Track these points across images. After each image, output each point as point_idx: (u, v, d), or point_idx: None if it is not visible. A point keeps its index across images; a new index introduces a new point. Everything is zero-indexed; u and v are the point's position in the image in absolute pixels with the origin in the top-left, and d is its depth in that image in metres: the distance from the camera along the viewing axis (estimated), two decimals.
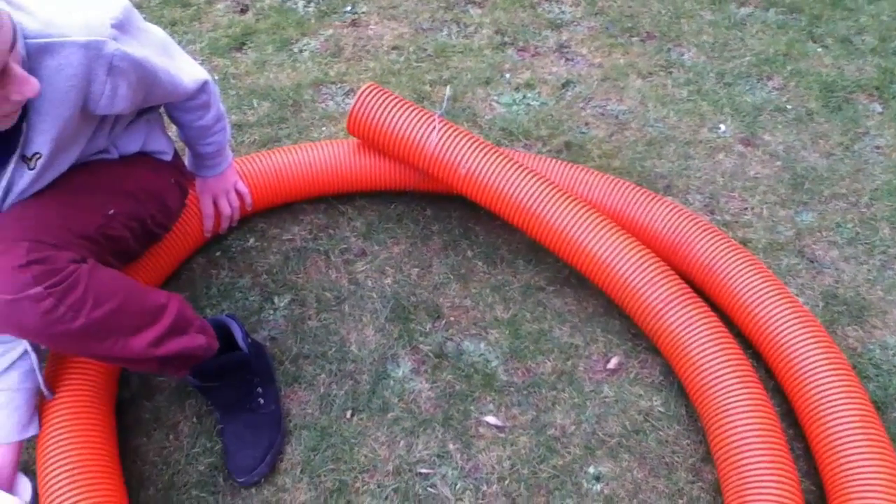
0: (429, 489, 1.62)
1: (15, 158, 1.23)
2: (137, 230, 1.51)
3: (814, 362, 1.65)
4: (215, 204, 1.85)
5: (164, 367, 1.45)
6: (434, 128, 1.88)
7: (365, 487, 1.62)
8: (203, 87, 1.56)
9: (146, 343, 1.34)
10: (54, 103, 1.20)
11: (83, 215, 1.34)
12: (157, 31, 1.43)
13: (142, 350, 1.34)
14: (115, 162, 1.49)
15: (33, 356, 1.41)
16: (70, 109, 1.22)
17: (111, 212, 1.40)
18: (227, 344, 1.63)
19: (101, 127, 1.39)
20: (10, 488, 1.42)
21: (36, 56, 1.14)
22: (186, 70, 1.50)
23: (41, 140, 1.23)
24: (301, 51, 2.65)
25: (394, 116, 1.90)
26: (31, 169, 1.25)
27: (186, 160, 1.78)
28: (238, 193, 1.88)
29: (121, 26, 1.24)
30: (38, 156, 1.24)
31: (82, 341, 1.26)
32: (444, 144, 1.87)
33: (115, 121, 1.42)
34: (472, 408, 1.75)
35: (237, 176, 1.88)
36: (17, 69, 1.05)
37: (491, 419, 1.73)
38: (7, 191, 1.26)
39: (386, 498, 1.60)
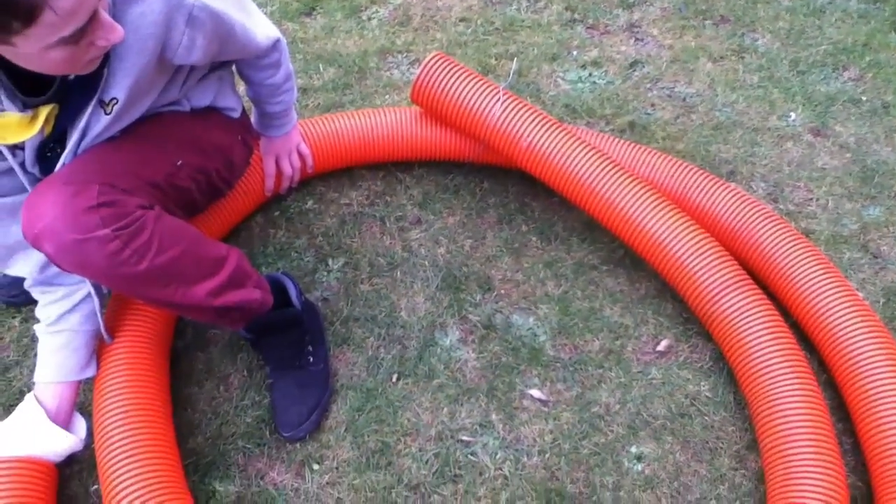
0: (469, 457, 1.63)
1: (93, 103, 1.26)
2: (203, 183, 1.54)
3: (869, 357, 1.61)
4: (277, 164, 1.87)
5: (220, 318, 1.48)
6: (498, 99, 1.87)
7: (406, 450, 1.64)
8: (275, 45, 1.58)
9: (205, 292, 1.37)
10: (134, 50, 1.23)
11: (153, 163, 1.38)
12: None
13: (201, 299, 1.37)
14: (186, 115, 1.52)
15: (95, 300, 1.46)
16: (148, 57, 1.25)
17: (179, 163, 1.44)
18: (281, 301, 1.66)
19: (175, 78, 1.42)
20: (67, 426, 1.47)
21: (121, 3, 1.18)
22: (261, 27, 1.52)
23: (119, 86, 1.26)
24: (369, 18, 2.66)
25: (458, 86, 1.89)
26: (108, 114, 1.29)
27: (252, 119, 1.81)
28: (300, 155, 1.90)
29: None
30: (114, 101, 1.28)
31: (144, 285, 1.29)
32: (506, 117, 1.87)
33: (188, 73, 1.46)
34: (517, 380, 1.75)
35: (300, 138, 1.90)
36: (105, 16, 1.08)
37: (535, 392, 1.73)
38: (83, 134, 1.30)
39: (426, 462, 1.62)
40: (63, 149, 1.30)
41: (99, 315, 1.48)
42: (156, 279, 1.29)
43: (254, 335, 1.65)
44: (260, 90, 1.69)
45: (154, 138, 1.41)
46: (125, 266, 1.23)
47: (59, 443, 1.43)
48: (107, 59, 1.22)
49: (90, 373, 1.51)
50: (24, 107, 1.21)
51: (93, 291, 1.45)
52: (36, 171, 1.33)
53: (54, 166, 1.31)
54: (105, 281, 1.28)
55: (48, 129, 1.27)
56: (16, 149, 1.29)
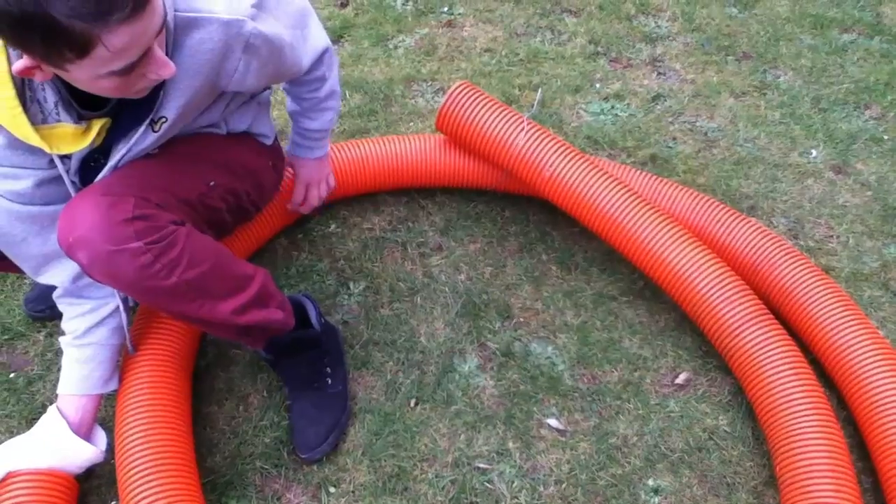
0: (486, 484, 1.63)
1: (147, 122, 1.30)
2: (232, 204, 1.56)
3: (890, 395, 1.60)
4: (307, 191, 1.89)
5: (242, 336, 1.50)
6: (522, 129, 1.90)
7: (423, 476, 1.64)
8: (321, 58, 1.59)
9: (230, 309, 1.39)
10: (189, 73, 1.26)
11: (187, 182, 1.41)
12: (294, 4, 1.48)
13: (225, 315, 1.39)
14: (222, 138, 1.55)
15: (123, 315, 1.48)
16: (202, 80, 1.29)
17: (212, 183, 1.46)
18: (302, 322, 1.68)
19: (219, 101, 1.46)
20: (89, 438, 1.49)
21: (183, 28, 1.21)
22: (311, 43, 1.54)
23: (170, 106, 1.30)
24: (396, 47, 2.70)
25: (483, 115, 1.92)
26: (156, 132, 1.32)
27: (288, 144, 1.83)
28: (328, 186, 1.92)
29: (260, 4, 1.31)
30: (163, 120, 1.31)
31: (171, 298, 1.31)
32: (530, 146, 1.89)
33: (232, 97, 1.49)
34: (535, 409, 1.76)
35: (331, 168, 1.92)
36: (159, 52, 1.11)
37: (553, 422, 1.73)
38: (129, 150, 1.33)
39: (443, 488, 1.62)
40: (106, 160, 1.33)
41: (126, 329, 1.50)
42: (183, 294, 1.31)
43: (273, 355, 1.67)
44: (301, 102, 1.70)
45: (190, 158, 1.44)
46: (155, 279, 1.25)
47: (81, 454, 1.45)
48: (163, 81, 1.25)
49: (113, 386, 1.53)
50: (79, 118, 1.24)
51: (121, 306, 1.47)
52: (77, 179, 1.36)
53: (94, 177, 1.34)
54: (134, 293, 1.30)
55: (98, 142, 1.30)
56: (64, 157, 1.32)
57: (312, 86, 1.65)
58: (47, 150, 1.23)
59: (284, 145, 1.82)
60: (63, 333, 1.50)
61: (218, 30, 1.24)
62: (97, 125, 1.27)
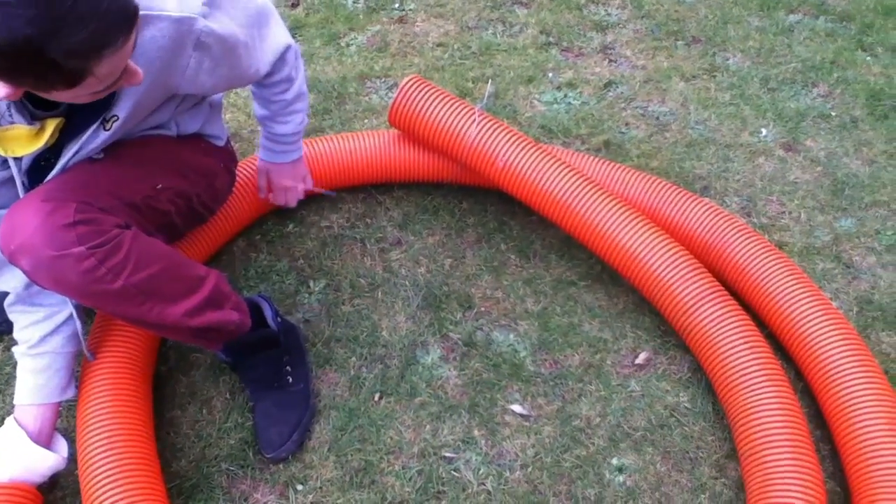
0: (452, 473, 1.64)
1: (101, 119, 1.29)
2: (183, 207, 1.56)
3: (844, 365, 1.63)
4: (285, 194, 1.87)
5: (197, 339, 1.50)
6: (474, 120, 1.91)
7: (389, 468, 1.65)
8: (283, 57, 1.57)
9: (181, 312, 1.38)
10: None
11: (132, 185, 1.40)
12: (251, 5, 1.46)
13: (177, 318, 1.38)
14: (171, 139, 1.54)
15: (78, 322, 1.47)
16: (152, 78, 1.28)
17: (159, 186, 1.46)
18: (260, 324, 1.68)
19: (170, 101, 1.45)
20: (48, 446, 1.48)
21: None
22: (270, 43, 1.52)
23: (123, 105, 1.29)
24: (348, 45, 2.70)
25: (434, 108, 1.93)
26: (107, 130, 1.32)
27: (260, 150, 1.81)
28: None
29: (212, 2, 1.30)
30: (115, 118, 1.31)
31: (119, 303, 1.30)
32: (482, 137, 1.90)
33: (182, 98, 1.49)
34: (498, 396, 1.77)
35: (307, 169, 1.90)
36: (132, 64, 1.12)
37: (517, 408, 1.75)
38: (79, 149, 1.32)
39: (410, 479, 1.63)
40: (57, 160, 1.33)
41: (81, 336, 1.49)
42: (131, 297, 1.30)
43: (232, 358, 1.67)
44: (269, 105, 1.67)
45: (136, 160, 1.43)
46: (100, 283, 1.25)
47: (43, 462, 1.44)
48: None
49: (70, 393, 1.52)
50: (33, 118, 1.23)
51: (75, 313, 1.46)
52: (27, 180, 1.35)
53: (45, 177, 1.33)
54: (80, 298, 1.29)
55: (51, 142, 1.29)
56: (16, 158, 1.30)
57: (279, 87, 1.63)
58: (1, 153, 1.22)
59: (237, 147, 1.82)
60: (16, 343, 1.48)
61: (168, 27, 1.24)
62: (51, 125, 1.26)
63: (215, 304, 1.46)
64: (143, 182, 1.42)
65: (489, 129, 1.91)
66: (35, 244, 1.21)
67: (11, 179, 1.33)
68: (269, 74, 1.57)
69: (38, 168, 1.36)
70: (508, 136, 1.90)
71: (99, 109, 1.28)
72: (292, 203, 1.89)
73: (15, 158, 1.29)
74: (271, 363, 1.68)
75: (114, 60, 1.03)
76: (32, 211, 1.22)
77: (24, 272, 1.25)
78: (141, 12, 1.19)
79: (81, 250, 1.21)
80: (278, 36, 1.55)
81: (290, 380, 1.70)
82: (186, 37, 1.27)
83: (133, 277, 1.28)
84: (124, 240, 1.27)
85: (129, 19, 1.02)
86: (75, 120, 1.30)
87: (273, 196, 1.88)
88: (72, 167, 1.34)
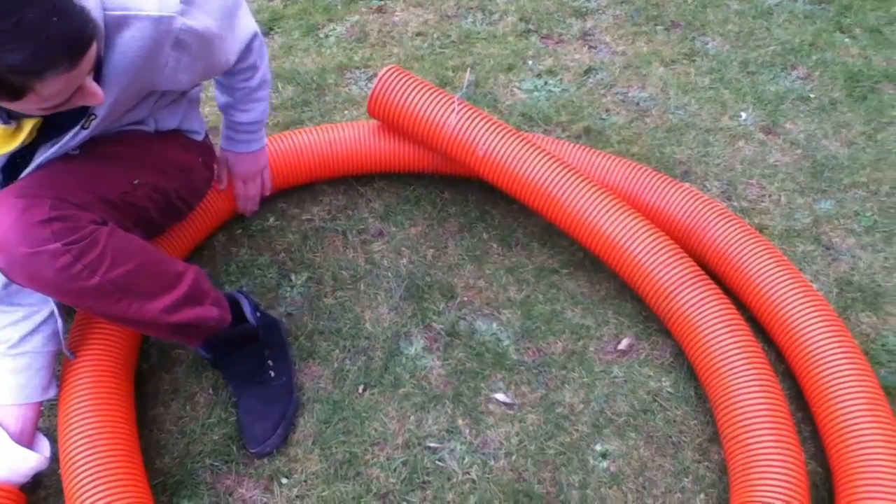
0: (437, 462, 1.64)
1: (82, 121, 1.29)
2: (161, 203, 1.55)
3: (824, 346, 1.65)
4: (245, 187, 1.88)
5: (177, 335, 1.49)
6: (453, 110, 1.90)
7: (374, 460, 1.65)
8: (250, 46, 1.57)
9: (160, 308, 1.38)
10: (120, 71, 1.26)
11: (108, 181, 1.39)
12: None
13: (155, 315, 1.38)
14: (149, 135, 1.54)
15: (59, 320, 1.46)
16: (132, 78, 1.28)
17: (136, 181, 1.45)
18: (239, 319, 1.67)
19: (148, 98, 1.45)
20: (31, 446, 1.47)
21: (114, 27, 1.21)
22: (238, 32, 1.53)
23: (102, 104, 1.28)
24: (327, 36, 2.69)
25: (413, 98, 1.92)
26: (85, 129, 1.31)
27: (221, 139, 1.81)
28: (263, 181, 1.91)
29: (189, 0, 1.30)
30: (93, 117, 1.30)
31: (96, 299, 1.30)
32: (462, 126, 1.90)
33: (161, 94, 1.48)
34: (482, 385, 1.77)
35: (267, 163, 1.91)
36: (89, 85, 1.13)
37: (501, 396, 1.75)
38: (58, 147, 1.32)
39: (394, 470, 1.63)
40: (32, 157, 1.32)
41: (62, 335, 1.48)
42: (108, 294, 1.30)
43: (213, 354, 1.66)
44: (232, 93, 1.67)
45: (111, 156, 1.42)
46: (76, 280, 1.24)
47: (26, 462, 1.43)
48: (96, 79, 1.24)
49: (52, 393, 1.51)
50: (9, 117, 1.23)
51: (56, 311, 1.45)
52: (1, 177, 1.34)
53: (19, 174, 1.32)
54: (57, 295, 1.29)
55: (28, 140, 1.28)
56: None
57: (244, 75, 1.63)
58: None
59: (215, 142, 1.81)
60: None
61: (148, 27, 1.23)
62: (28, 124, 1.25)
63: (194, 300, 1.46)
64: (119, 178, 1.42)
65: (469, 117, 1.90)
66: (9, 241, 1.20)
67: None
68: (237, 62, 1.58)
69: (13, 165, 1.35)
70: (488, 124, 1.90)
71: (78, 109, 1.27)
72: (253, 198, 1.89)
73: None
74: (252, 358, 1.68)
75: (59, 82, 1.05)
76: (6, 208, 1.21)
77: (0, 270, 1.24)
78: (120, 13, 1.21)
79: (57, 247, 1.21)
80: (246, 24, 1.56)
81: (273, 374, 1.69)
82: (165, 36, 1.27)
83: (110, 274, 1.27)
84: (100, 236, 1.26)
85: (74, 47, 1.03)
86: (53, 119, 1.29)
87: (234, 189, 1.87)
88: (47, 164, 1.33)
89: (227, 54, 1.50)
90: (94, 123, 1.31)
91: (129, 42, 1.23)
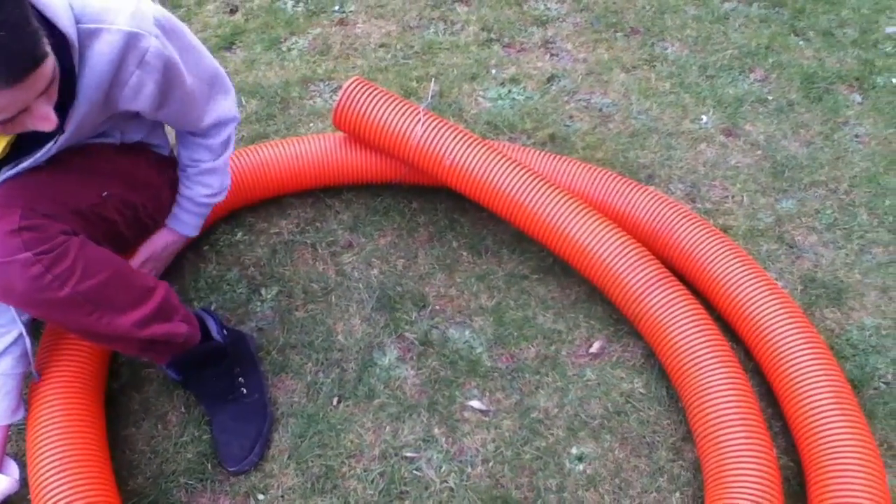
0: (414, 472, 1.65)
1: (53, 140, 1.28)
2: (129, 217, 1.53)
3: (790, 342, 1.68)
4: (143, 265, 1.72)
5: (145, 351, 1.48)
6: (419, 120, 1.91)
7: (351, 472, 1.64)
8: (224, 126, 1.57)
9: (131, 323, 1.36)
10: (92, 86, 1.25)
11: (78, 192, 1.38)
12: (207, 62, 1.48)
13: (126, 329, 1.36)
14: (115, 148, 1.52)
15: (27, 340, 1.44)
16: (100, 92, 1.27)
17: (105, 193, 1.44)
18: (206, 338, 1.66)
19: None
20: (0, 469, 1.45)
21: (87, 39, 1.20)
22: (218, 106, 1.52)
23: (72, 119, 1.28)
24: (289, 49, 2.69)
25: (379, 109, 1.92)
26: (55, 143, 1.30)
27: None
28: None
29: (163, 27, 1.29)
30: (60, 132, 1.29)
31: (67, 311, 1.28)
32: (428, 136, 1.90)
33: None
34: (457, 393, 1.78)
35: (167, 262, 1.80)
36: (39, 108, 1.11)
37: (475, 403, 1.76)
38: (30, 164, 1.30)
39: (372, 482, 1.63)
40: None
41: (31, 356, 1.46)
42: (79, 306, 1.28)
43: (181, 374, 1.64)
44: (182, 160, 1.63)
45: (82, 169, 1.41)
46: (47, 291, 1.22)
47: None
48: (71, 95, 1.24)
49: (20, 415, 1.49)
50: None
51: (24, 332, 1.43)
52: None
53: None
54: (27, 306, 1.27)
55: (1, 155, 1.27)
56: None
57: (200, 153, 1.61)
58: None
59: None
60: None
61: (118, 40, 1.22)
62: (3, 140, 1.23)
63: (164, 316, 1.45)
64: (89, 190, 1.40)
65: (435, 127, 1.91)
66: None
67: None
68: (201, 135, 1.57)
69: None
70: (454, 134, 1.91)
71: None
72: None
73: None
74: (222, 376, 1.66)
75: (2, 98, 1.03)
76: None
77: None
78: (91, 25, 1.19)
79: (28, 256, 1.19)
80: (227, 106, 1.56)
81: (245, 391, 1.68)
82: (132, 52, 1.25)
83: (81, 285, 1.25)
84: (70, 246, 1.25)
85: (14, 65, 1.01)
86: (27, 134, 1.27)
87: (134, 259, 1.68)
88: (16, 176, 1.31)
89: (197, 112, 1.49)
90: (61, 139, 1.30)
91: (98, 55, 1.22)
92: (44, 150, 1.29)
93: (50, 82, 1.09)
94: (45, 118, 1.13)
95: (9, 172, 1.30)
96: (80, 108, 1.27)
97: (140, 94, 1.32)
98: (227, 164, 1.67)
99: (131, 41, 1.24)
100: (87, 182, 1.41)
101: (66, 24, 1.14)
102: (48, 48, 1.05)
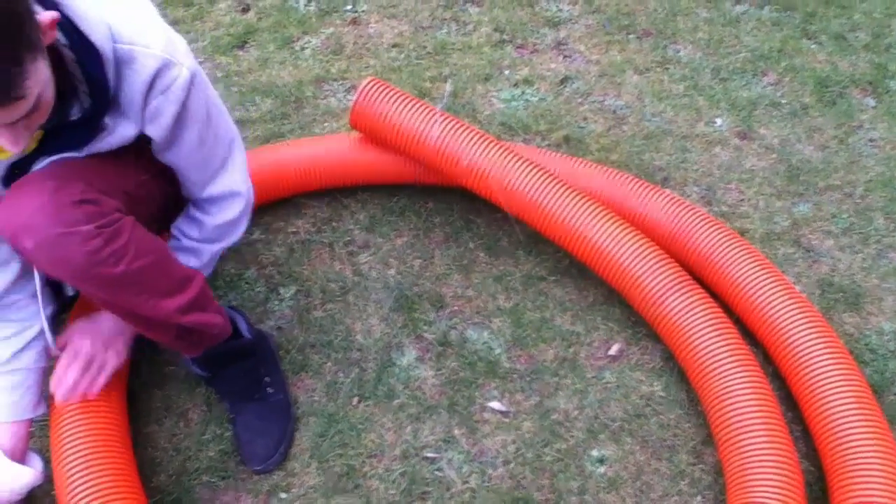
0: (436, 472, 1.65)
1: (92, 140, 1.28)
2: (164, 203, 1.52)
3: (811, 347, 1.68)
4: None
5: (181, 339, 1.47)
6: (436, 121, 1.91)
7: (373, 472, 1.64)
8: (225, 199, 1.51)
9: (174, 308, 1.35)
10: (135, 105, 1.24)
11: (122, 172, 1.37)
12: (227, 121, 1.46)
13: (168, 314, 1.35)
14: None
15: (49, 335, 1.44)
16: (136, 108, 1.26)
17: (145, 177, 1.43)
18: (234, 336, 1.66)
19: None
20: (23, 463, 1.45)
21: (124, 62, 1.19)
22: (223, 175, 1.47)
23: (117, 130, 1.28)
24: (302, 49, 2.68)
25: (396, 110, 1.92)
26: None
27: None
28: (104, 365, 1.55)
29: (194, 74, 1.27)
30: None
31: (118, 290, 1.27)
32: (445, 137, 1.90)
33: None
34: (476, 394, 1.78)
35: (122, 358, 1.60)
36: (11, 133, 1.08)
37: (495, 405, 1.76)
38: (52, 156, 1.29)
39: (394, 481, 1.63)
40: (31, 166, 1.29)
41: (51, 343, 1.46)
42: (129, 285, 1.27)
43: (208, 370, 1.64)
44: (172, 233, 1.56)
45: (115, 158, 1.39)
46: (103, 266, 1.21)
47: (20, 479, 1.41)
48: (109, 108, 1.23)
49: (42, 409, 1.49)
50: None
51: (46, 327, 1.43)
52: (1, 187, 1.32)
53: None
54: (79, 280, 1.24)
55: (28, 150, 1.25)
56: None
57: (189, 225, 1.54)
58: None
59: None
60: None
61: (153, 63, 1.21)
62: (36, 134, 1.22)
63: (202, 306, 1.45)
64: (129, 171, 1.39)
65: (452, 128, 1.91)
66: (40, 222, 1.16)
67: None
68: (199, 206, 1.52)
69: (11, 177, 1.32)
70: (471, 135, 1.91)
71: (89, 131, 1.26)
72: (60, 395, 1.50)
73: None
74: (248, 374, 1.67)
75: None
76: (36, 189, 1.18)
77: (26, 252, 1.20)
78: (127, 47, 1.18)
79: (90, 228, 1.17)
80: (235, 175, 1.50)
81: (270, 390, 1.68)
82: (159, 77, 1.23)
83: (134, 264, 1.24)
84: (125, 225, 1.24)
85: None
86: (60, 132, 1.26)
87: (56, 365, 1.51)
88: (61, 160, 1.30)
89: (201, 166, 1.45)
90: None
91: (135, 76, 1.21)
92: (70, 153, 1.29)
93: (33, 104, 1.05)
94: (13, 141, 1.09)
95: (42, 164, 1.29)
96: (129, 124, 1.26)
97: (157, 119, 1.29)
98: (213, 258, 1.57)
99: (162, 66, 1.22)
100: (125, 166, 1.39)
101: (99, 38, 1.14)
102: (27, 92, 1.01)
